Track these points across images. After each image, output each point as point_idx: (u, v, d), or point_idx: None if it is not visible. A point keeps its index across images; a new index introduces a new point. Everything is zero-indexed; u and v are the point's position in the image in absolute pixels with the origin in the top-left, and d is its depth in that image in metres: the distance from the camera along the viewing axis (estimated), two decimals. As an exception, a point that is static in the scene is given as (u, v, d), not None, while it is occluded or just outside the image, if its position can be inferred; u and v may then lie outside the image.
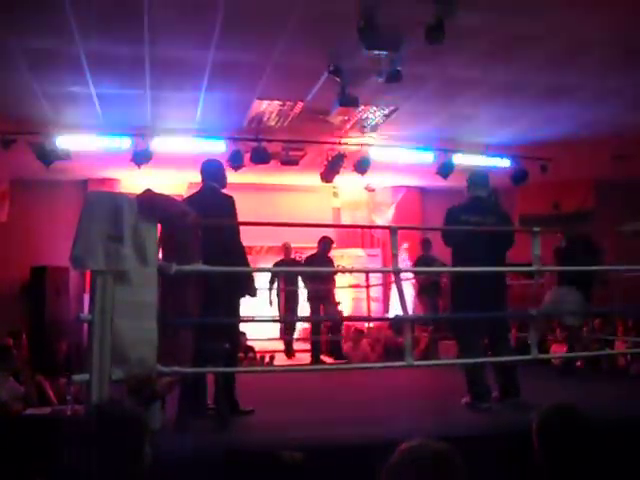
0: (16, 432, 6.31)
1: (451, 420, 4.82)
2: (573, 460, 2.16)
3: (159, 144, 9.75)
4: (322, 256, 9.76)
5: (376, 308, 12.71)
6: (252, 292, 5.50)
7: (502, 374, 5.32)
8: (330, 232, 10.71)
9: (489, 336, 5.52)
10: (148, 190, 4.23)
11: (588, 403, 2.47)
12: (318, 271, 7.86)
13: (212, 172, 5.34)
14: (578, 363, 8.79)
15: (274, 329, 11.08)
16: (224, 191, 5.29)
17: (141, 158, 9.73)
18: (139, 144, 9.69)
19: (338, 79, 7.57)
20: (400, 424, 4.40)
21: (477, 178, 5.77)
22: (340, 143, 10.39)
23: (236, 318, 5.34)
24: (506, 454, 3.72)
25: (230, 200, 5.12)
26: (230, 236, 5.04)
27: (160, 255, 4.22)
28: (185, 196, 5.28)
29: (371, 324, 11.84)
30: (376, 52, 6.71)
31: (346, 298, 12.49)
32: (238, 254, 5.14)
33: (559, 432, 2.22)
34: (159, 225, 4.13)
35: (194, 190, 5.50)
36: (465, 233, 5.33)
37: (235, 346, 5.37)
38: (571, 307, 7.06)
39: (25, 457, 4.18)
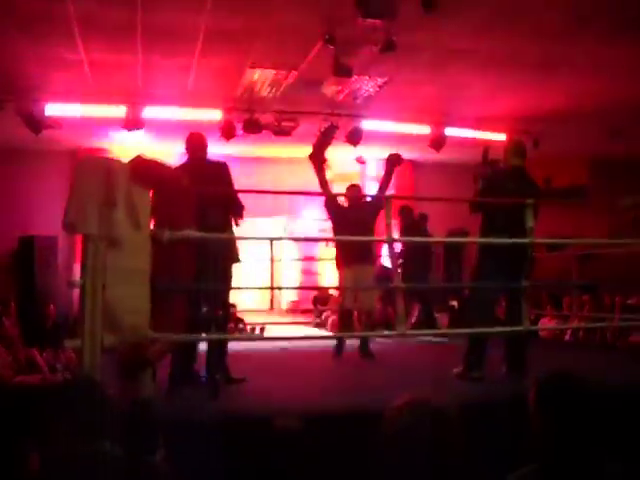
0: (6, 400, 6.32)
1: (442, 388, 4.82)
2: (571, 426, 2.15)
3: (150, 112, 9.66)
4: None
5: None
6: (236, 259, 5.41)
7: (510, 347, 5.33)
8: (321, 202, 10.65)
9: (506, 307, 5.53)
10: (140, 156, 4.17)
11: (583, 372, 2.45)
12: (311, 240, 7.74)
13: (198, 144, 5.32)
14: (567, 336, 8.87)
15: (264, 301, 11.07)
16: (213, 159, 5.29)
17: (132, 126, 9.64)
18: (130, 112, 9.58)
19: (332, 48, 7.49)
20: (390, 393, 4.39)
21: (515, 147, 5.71)
22: (332, 114, 10.30)
23: (227, 286, 5.31)
24: (500, 422, 3.72)
25: (223, 166, 5.11)
26: (225, 201, 5.04)
27: (152, 221, 4.17)
28: (177, 164, 5.22)
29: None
30: (372, 20, 6.64)
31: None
32: (229, 221, 5.13)
33: (556, 398, 2.21)
34: (151, 191, 4.09)
35: (183, 160, 5.46)
36: (496, 202, 5.29)
37: (226, 314, 5.36)
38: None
39: (16, 427, 4.14)
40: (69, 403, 2.26)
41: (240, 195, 5.33)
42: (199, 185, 4.52)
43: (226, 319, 5.39)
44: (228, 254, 5.15)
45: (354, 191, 7.84)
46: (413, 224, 9.71)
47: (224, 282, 5.12)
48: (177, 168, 5.01)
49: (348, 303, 7.24)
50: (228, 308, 5.62)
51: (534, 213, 5.25)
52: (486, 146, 6.07)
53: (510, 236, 5.13)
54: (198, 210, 4.34)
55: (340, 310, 7.48)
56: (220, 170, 5.14)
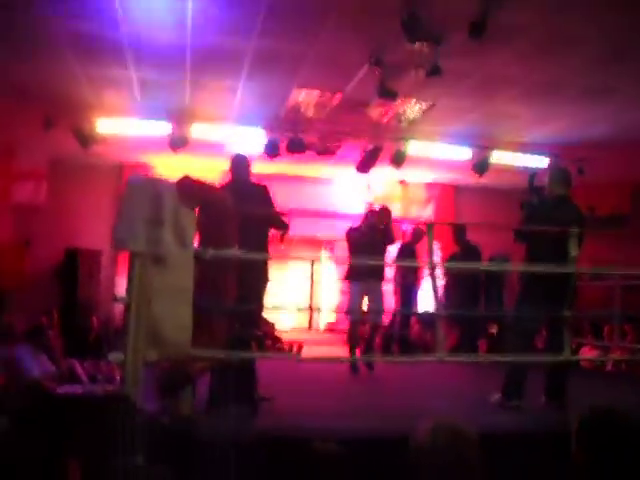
0: (49, 409, 6.43)
1: (478, 417, 4.79)
2: (613, 461, 2.13)
3: (196, 130, 9.82)
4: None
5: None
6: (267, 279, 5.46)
7: (551, 377, 5.28)
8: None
9: (547, 336, 5.48)
10: (186, 176, 4.26)
11: (625, 404, 2.43)
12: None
13: (242, 165, 5.41)
14: (609, 367, 8.73)
15: (302, 319, 11.10)
16: (255, 181, 5.38)
17: (178, 144, 9.81)
18: (176, 130, 9.76)
19: (378, 71, 7.54)
20: (424, 416, 4.39)
21: (560, 175, 5.67)
22: (377, 136, 10.35)
23: (263, 306, 5.36)
24: (537, 453, 3.69)
25: (264, 188, 5.19)
26: (262, 227, 5.10)
27: (196, 240, 4.25)
28: (219, 184, 5.31)
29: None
30: (418, 45, 6.69)
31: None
32: (263, 243, 5.19)
33: (599, 433, 2.20)
34: (197, 210, 4.16)
35: (226, 180, 5.54)
36: (545, 233, 5.25)
37: (260, 333, 5.43)
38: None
39: (59, 435, 4.22)
40: (104, 417, 2.31)
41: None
42: (241, 205, 4.59)
43: (261, 338, 5.45)
44: (263, 274, 5.21)
45: (376, 216, 8.26)
46: (469, 249, 9.52)
47: (260, 302, 5.18)
48: (222, 187, 5.09)
49: (356, 316, 7.91)
50: (260, 327, 5.67)
51: (578, 242, 5.21)
52: (532, 173, 6.03)
53: (554, 265, 5.08)
54: (240, 230, 4.40)
55: (351, 324, 8.02)
56: (261, 192, 5.22)
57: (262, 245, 5.05)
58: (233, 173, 5.35)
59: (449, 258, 10.01)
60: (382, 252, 8.03)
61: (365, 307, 7.91)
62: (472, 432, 2.07)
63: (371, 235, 7.91)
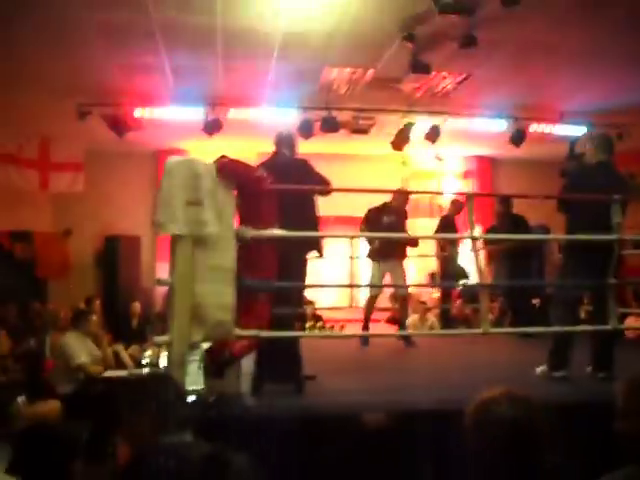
0: (97, 393, 6.56)
1: (525, 388, 4.75)
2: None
3: (230, 114, 9.84)
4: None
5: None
6: (320, 252, 5.43)
7: (597, 347, 5.19)
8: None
9: (592, 306, 5.40)
10: (224, 156, 4.26)
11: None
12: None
13: (286, 141, 5.38)
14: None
15: (344, 298, 11.09)
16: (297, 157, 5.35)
17: (212, 128, 9.84)
18: (210, 114, 9.79)
19: (410, 45, 7.45)
20: (473, 391, 4.36)
21: (602, 142, 5.50)
22: (410, 111, 10.26)
23: (304, 284, 5.34)
24: (585, 423, 3.65)
25: (305, 163, 5.16)
26: (307, 199, 5.08)
27: (237, 220, 4.25)
28: (259, 162, 5.29)
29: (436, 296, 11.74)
30: (450, 16, 6.58)
31: (415, 269, 12.40)
32: (313, 218, 5.16)
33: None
34: (236, 190, 4.16)
35: (266, 157, 5.52)
36: (584, 198, 5.15)
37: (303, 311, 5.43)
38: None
39: (106, 417, 4.29)
40: (148, 397, 2.34)
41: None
42: (283, 181, 4.57)
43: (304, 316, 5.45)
44: (312, 249, 5.18)
45: (400, 196, 8.33)
46: (516, 221, 9.00)
47: (302, 279, 5.16)
48: (261, 165, 5.06)
49: (374, 292, 8.16)
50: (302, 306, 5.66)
51: (622, 209, 5.09)
52: (573, 140, 5.90)
53: (597, 233, 4.98)
54: (284, 207, 4.39)
55: (369, 299, 8.14)
56: (304, 166, 5.20)
57: (309, 220, 5.01)
58: (277, 149, 5.33)
59: (489, 230, 9.83)
60: (403, 232, 8.24)
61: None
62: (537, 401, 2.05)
63: (394, 216, 8.03)
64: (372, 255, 8.07)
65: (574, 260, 5.25)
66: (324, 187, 5.20)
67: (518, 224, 8.64)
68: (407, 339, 7.59)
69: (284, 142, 5.34)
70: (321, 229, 5.43)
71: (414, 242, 8.60)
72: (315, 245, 5.16)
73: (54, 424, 3.16)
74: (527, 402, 2.01)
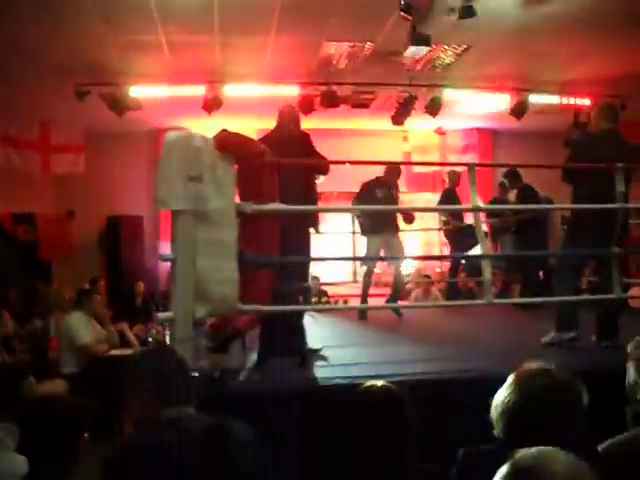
0: (102, 372, 6.58)
1: (529, 357, 4.75)
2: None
3: (229, 90, 9.79)
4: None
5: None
6: (316, 227, 5.44)
7: (602, 316, 5.19)
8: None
9: (596, 276, 5.40)
10: (224, 130, 4.24)
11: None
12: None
13: (290, 115, 5.35)
14: None
15: (348, 273, 11.12)
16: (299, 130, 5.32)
17: (211, 105, 9.79)
18: (209, 91, 9.74)
19: (409, 17, 7.37)
20: (483, 361, 4.38)
21: (607, 110, 5.46)
22: (411, 85, 10.19)
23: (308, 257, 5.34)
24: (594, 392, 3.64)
25: (308, 137, 5.14)
26: (308, 175, 5.06)
27: (237, 194, 4.24)
28: (261, 136, 5.26)
29: (443, 269, 11.75)
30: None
31: (417, 243, 12.40)
32: (313, 193, 5.15)
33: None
34: (236, 164, 4.14)
35: (268, 131, 5.49)
36: (594, 168, 5.11)
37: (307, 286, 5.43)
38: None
39: (112, 395, 4.30)
40: (148, 371, 2.34)
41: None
42: (284, 156, 4.55)
43: (308, 291, 5.44)
44: (311, 224, 5.18)
45: (392, 169, 8.33)
46: (528, 192, 8.83)
47: (307, 254, 5.16)
48: (262, 139, 5.03)
49: (370, 266, 8.29)
50: (306, 280, 5.65)
51: (627, 178, 5.05)
52: (577, 109, 5.84)
53: (603, 203, 4.95)
54: (283, 181, 4.37)
55: (366, 273, 8.22)
56: (304, 140, 5.17)
57: (308, 194, 5.00)
58: (279, 124, 5.30)
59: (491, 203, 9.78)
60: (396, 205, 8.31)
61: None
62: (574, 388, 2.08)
63: (387, 189, 8.05)
64: (366, 230, 8.12)
65: (579, 229, 5.23)
66: (324, 163, 5.19)
67: (532, 196, 8.55)
68: (397, 311, 7.66)
69: (287, 116, 5.31)
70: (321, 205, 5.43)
71: (410, 218, 8.54)
72: (312, 220, 5.16)
73: (59, 402, 3.15)
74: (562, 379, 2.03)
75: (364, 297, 8.03)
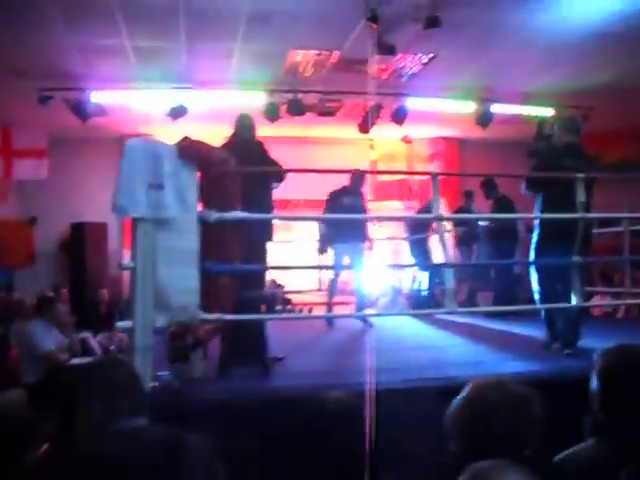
0: (62, 382, 6.45)
1: (491, 366, 4.78)
2: (636, 402, 2.09)
3: (195, 97, 9.73)
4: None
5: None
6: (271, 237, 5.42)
7: (563, 324, 5.26)
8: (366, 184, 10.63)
9: (560, 285, 5.47)
10: (187, 138, 4.20)
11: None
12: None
13: (246, 125, 5.33)
14: (620, 314, 8.71)
15: (313, 281, 11.10)
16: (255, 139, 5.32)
17: (177, 112, 9.73)
18: (174, 98, 9.67)
19: (375, 26, 7.40)
20: (447, 369, 4.38)
21: (569, 124, 5.60)
22: (377, 93, 10.22)
23: (266, 266, 5.31)
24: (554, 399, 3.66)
25: (262, 145, 5.13)
26: (265, 183, 5.05)
27: (200, 202, 4.20)
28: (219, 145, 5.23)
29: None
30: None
31: (383, 251, 12.42)
32: (270, 202, 5.14)
33: (625, 372, 2.15)
34: (199, 172, 4.11)
35: (228, 139, 5.45)
36: (556, 180, 5.21)
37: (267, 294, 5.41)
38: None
39: (71, 406, 4.21)
40: (98, 382, 2.30)
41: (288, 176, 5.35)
42: (244, 164, 4.53)
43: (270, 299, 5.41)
44: (267, 234, 5.16)
45: (357, 177, 8.29)
46: (504, 202, 8.85)
47: (264, 262, 5.14)
48: (222, 148, 5.00)
49: (336, 274, 8.32)
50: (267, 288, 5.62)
51: (589, 189, 5.15)
52: (541, 121, 5.94)
53: (566, 213, 5.04)
54: (244, 189, 4.35)
55: (332, 280, 8.24)
56: (259, 148, 5.16)
57: (266, 203, 4.99)
58: (237, 132, 5.27)
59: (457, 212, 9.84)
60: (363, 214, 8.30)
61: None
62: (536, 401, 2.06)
63: (354, 197, 8.05)
64: (332, 239, 8.05)
65: (544, 239, 5.32)
66: (280, 170, 5.19)
67: (508, 205, 8.57)
68: (365, 320, 7.62)
69: (243, 125, 5.29)
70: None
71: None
72: (268, 229, 5.14)
73: (8, 414, 3.07)
74: (518, 392, 2.01)
75: (330, 305, 8.01)
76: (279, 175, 5.22)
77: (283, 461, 3.11)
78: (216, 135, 9.88)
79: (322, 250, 8.17)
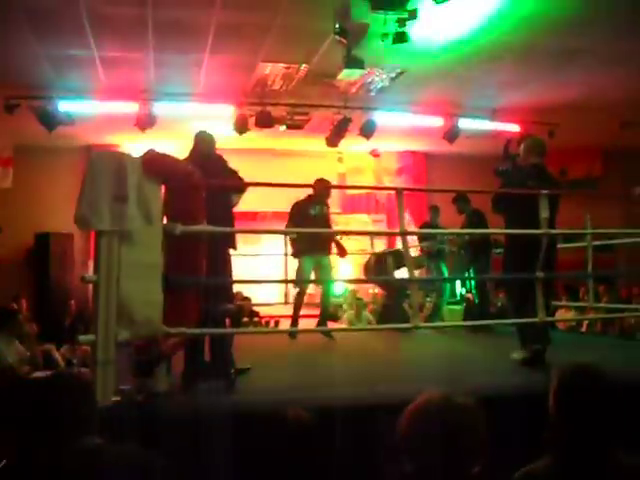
0: (21, 395, 6.36)
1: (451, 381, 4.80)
2: (589, 418, 2.11)
3: (163, 108, 9.69)
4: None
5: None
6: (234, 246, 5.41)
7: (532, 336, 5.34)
8: (335, 197, 10.67)
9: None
10: (152, 150, 4.18)
11: (601, 363, 2.42)
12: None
13: (206, 141, 5.32)
14: (584, 328, 8.83)
15: (279, 294, 11.08)
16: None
17: (145, 123, 9.68)
18: (142, 109, 9.63)
19: (344, 40, 7.45)
20: (411, 385, 4.38)
21: (535, 145, 5.66)
22: (345, 107, 10.28)
23: (231, 279, 5.27)
24: (515, 414, 3.70)
25: (221, 158, 5.13)
26: (226, 195, 5.04)
27: (165, 215, 4.17)
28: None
29: (376, 290, 11.79)
30: (382, 12, 6.61)
31: (351, 264, 12.44)
32: (230, 214, 5.14)
33: (576, 390, 2.18)
34: (163, 185, 4.09)
35: (188, 155, 5.43)
36: (521, 199, 5.27)
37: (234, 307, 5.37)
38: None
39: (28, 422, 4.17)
40: (51, 400, 2.28)
41: (252, 189, 5.35)
42: (206, 178, 4.52)
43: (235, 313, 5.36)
44: (230, 243, 5.15)
45: (321, 186, 8.03)
46: (476, 217, 8.69)
47: (229, 275, 5.12)
48: (185, 161, 4.99)
49: (302, 288, 8.08)
50: (233, 302, 5.55)
51: (553, 207, 5.24)
52: (507, 140, 6.02)
53: (532, 229, 5.15)
54: (206, 202, 4.34)
55: (299, 293, 8.03)
56: (220, 162, 5.15)
57: (228, 217, 4.99)
58: (196, 148, 5.26)
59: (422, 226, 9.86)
60: (328, 226, 8.06)
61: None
62: (479, 412, 2.05)
63: (319, 207, 7.89)
64: (299, 251, 7.91)
65: (511, 255, 5.47)
66: (242, 183, 5.18)
67: (481, 220, 8.58)
68: (327, 333, 7.48)
69: (203, 139, 5.28)
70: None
71: (343, 253, 8.37)
72: (230, 240, 5.13)
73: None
74: (465, 406, 2.01)
75: (295, 318, 7.97)
76: (240, 187, 5.21)
77: (246, 477, 3.10)
78: (182, 146, 9.95)
79: (296, 254, 7.95)
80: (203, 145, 5.22)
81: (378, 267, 9.23)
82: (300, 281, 8.02)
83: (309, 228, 7.64)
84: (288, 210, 8.10)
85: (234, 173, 5.14)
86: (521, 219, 5.30)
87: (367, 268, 9.60)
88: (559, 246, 6.26)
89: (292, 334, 7.46)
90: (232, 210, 5.16)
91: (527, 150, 5.62)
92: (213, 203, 4.49)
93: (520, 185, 5.37)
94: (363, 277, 11.59)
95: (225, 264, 4.93)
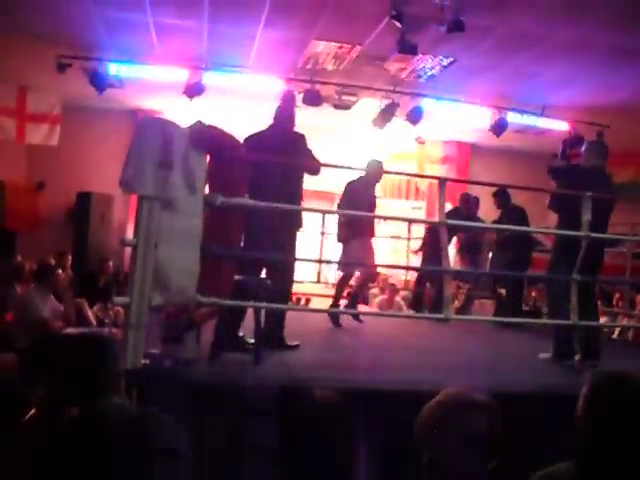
0: (53, 350, 6.48)
1: (482, 377, 4.78)
2: (620, 428, 2.08)
3: (212, 78, 9.71)
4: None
5: (416, 263, 12.55)
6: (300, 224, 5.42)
7: (586, 337, 5.30)
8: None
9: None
10: (200, 121, 4.21)
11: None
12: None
13: (287, 114, 5.37)
14: (615, 334, 8.71)
15: (312, 272, 11.09)
16: (296, 130, 5.34)
17: (193, 91, 9.71)
18: (192, 77, 9.66)
19: (399, 25, 7.39)
20: (435, 376, 4.39)
21: (600, 147, 5.64)
22: (394, 91, 10.21)
23: (285, 255, 5.26)
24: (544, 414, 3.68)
25: (302, 138, 5.16)
26: (293, 174, 5.09)
27: (207, 186, 4.21)
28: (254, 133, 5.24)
29: (408, 277, 11.76)
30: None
31: (385, 250, 12.40)
32: (297, 194, 5.18)
33: (614, 399, 2.14)
34: (208, 156, 4.12)
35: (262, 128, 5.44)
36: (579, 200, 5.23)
37: (285, 283, 5.33)
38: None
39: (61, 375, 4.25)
40: (74, 360, 2.32)
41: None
42: (276, 153, 4.56)
43: (283, 287, 5.31)
44: (291, 224, 5.18)
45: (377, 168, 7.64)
46: (515, 213, 8.57)
47: (285, 252, 5.13)
48: (251, 136, 5.04)
49: (351, 272, 7.83)
50: (287, 276, 5.48)
51: (608, 212, 5.21)
52: (566, 139, 5.96)
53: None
54: (262, 177, 4.38)
55: (343, 277, 7.86)
56: (299, 141, 5.19)
57: (299, 196, 5.12)
58: (276, 122, 5.32)
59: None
60: (373, 209, 7.81)
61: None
62: (497, 410, 2.06)
63: (372, 189, 7.72)
64: (347, 237, 7.55)
65: (558, 256, 5.43)
66: (314, 165, 5.19)
67: (521, 216, 8.44)
68: (356, 316, 7.38)
69: (285, 115, 5.34)
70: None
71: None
72: (296, 218, 5.19)
73: (8, 379, 3.10)
74: (482, 404, 2.01)
75: (336, 303, 7.63)
76: (315, 169, 5.22)
77: (264, 449, 3.14)
78: (228, 117, 9.97)
79: (345, 240, 7.59)
80: (281, 120, 5.29)
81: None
82: (347, 264, 7.78)
83: (362, 211, 7.28)
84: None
85: (311, 153, 5.19)
86: (576, 222, 5.22)
87: None
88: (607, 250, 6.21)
89: (335, 321, 7.24)
90: (300, 191, 5.22)
91: (591, 152, 5.54)
92: (277, 180, 4.55)
93: (582, 187, 5.27)
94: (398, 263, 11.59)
95: (292, 244, 5.01)
